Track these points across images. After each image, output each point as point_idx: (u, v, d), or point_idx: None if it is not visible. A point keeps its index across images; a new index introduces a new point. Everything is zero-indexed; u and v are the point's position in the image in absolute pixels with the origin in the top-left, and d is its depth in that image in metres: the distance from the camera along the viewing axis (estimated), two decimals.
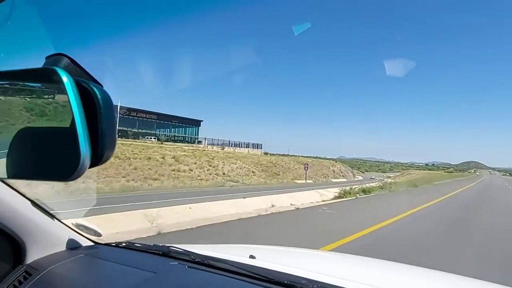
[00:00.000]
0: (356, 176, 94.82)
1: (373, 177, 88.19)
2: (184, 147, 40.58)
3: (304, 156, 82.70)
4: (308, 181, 40.90)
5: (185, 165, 28.06)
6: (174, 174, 25.16)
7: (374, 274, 1.76)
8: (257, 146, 68.00)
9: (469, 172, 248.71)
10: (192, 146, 50.80)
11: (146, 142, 42.67)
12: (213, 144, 60.45)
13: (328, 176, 51.62)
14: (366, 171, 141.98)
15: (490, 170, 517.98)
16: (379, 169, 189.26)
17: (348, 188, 15.87)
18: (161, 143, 44.11)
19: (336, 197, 14.05)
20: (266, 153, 68.41)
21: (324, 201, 13.03)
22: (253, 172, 34.04)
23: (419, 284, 1.65)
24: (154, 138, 47.07)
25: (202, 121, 69.44)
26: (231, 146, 63.00)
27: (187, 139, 66.34)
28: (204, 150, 43.23)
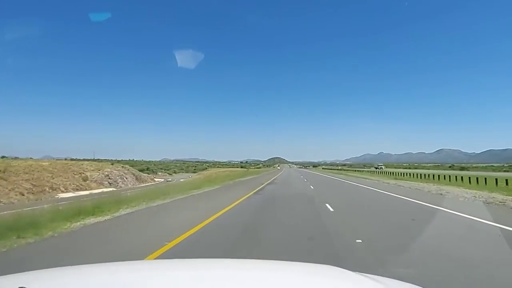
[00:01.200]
0: (156, 180, 77.25)
1: (170, 180, 73.59)
2: None
3: (88, 159, 59.46)
4: None
5: None
6: None
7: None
8: None
9: (273, 167, 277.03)
10: None
11: None
12: None
13: (59, 188, 30.05)
14: (174, 172, 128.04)
15: (289, 164, 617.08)
16: (195, 168, 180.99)
17: None
18: None
19: None
20: None
21: None
22: None
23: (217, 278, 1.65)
24: None
25: None
26: None
27: None
28: None
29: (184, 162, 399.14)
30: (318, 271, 2.01)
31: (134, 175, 55.15)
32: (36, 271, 1.72)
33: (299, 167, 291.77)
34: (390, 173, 51.21)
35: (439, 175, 39.05)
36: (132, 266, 2.13)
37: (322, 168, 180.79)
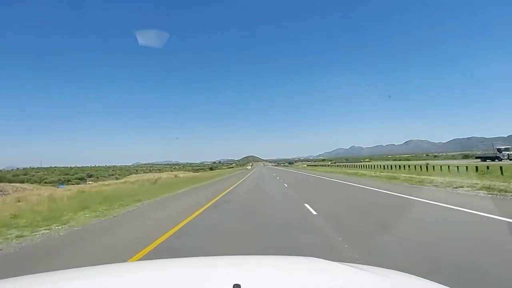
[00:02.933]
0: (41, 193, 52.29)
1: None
2: None
3: None
4: None
5: None
6: None
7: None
8: None
9: (244, 167, 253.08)
10: None
11: None
12: None
13: None
14: (117, 178, 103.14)
15: (264, 162, 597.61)
16: (151, 171, 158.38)
17: None
18: None
19: None
20: None
21: None
22: None
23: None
24: None
25: None
26: None
27: None
28: None
29: (152, 165, 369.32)
30: (302, 263, 2.07)
31: None
32: (18, 277, 1.71)
33: (274, 165, 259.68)
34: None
35: None
36: (120, 268, 2.08)
37: (307, 165, 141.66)
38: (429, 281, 1.61)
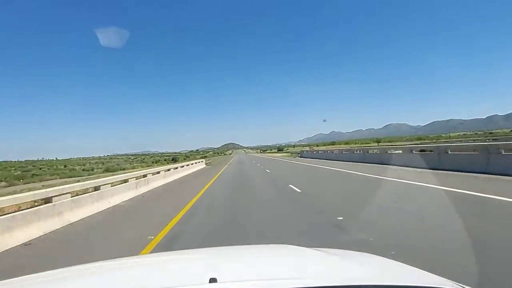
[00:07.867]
0: None
1: None
2: None
3: None
4: None
5: None
6: None
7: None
8: None
9: (224, 154, 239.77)
10: None
11: None
12: None
13: None
14: (41, 178, 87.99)
15: (245, 149, 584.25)
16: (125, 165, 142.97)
17: None
18: None
19: None
20: None
21: None
22: None
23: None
24: None
25: None
26: None
27: None
28: None
29: (128, 154, 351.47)
30: (276, 251, 2.10)
31: None
32: (28, 276, 1.67)
33: (260, 152, 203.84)
34: None
35: None
36: (128, 262, 2.07)
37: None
38: (400, 263, 1.59)
